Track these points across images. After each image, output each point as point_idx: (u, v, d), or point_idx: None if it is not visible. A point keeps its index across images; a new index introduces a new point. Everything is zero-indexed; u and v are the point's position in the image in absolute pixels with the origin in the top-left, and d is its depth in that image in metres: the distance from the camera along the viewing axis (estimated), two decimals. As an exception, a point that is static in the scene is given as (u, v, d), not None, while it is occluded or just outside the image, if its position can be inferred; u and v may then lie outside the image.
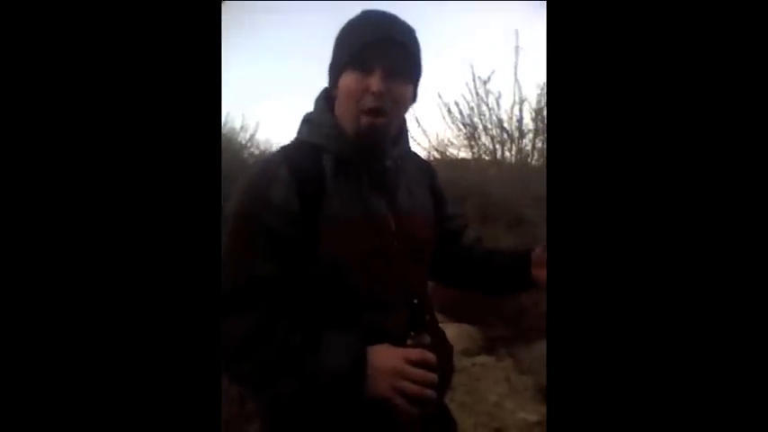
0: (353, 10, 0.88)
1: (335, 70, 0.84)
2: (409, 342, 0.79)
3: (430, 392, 0.75)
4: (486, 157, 4.91)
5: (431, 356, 0.77)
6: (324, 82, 0.90)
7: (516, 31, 4.62)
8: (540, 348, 2.62)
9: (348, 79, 0.81)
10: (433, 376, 0.76)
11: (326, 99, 0.88)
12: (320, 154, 0.83)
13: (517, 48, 4.59)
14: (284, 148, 0.87)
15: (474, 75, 4.72)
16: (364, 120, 0.81)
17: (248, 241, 0.77)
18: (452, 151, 5.20)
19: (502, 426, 2.11)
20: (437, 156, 5.27)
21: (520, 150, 4.85)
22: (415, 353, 0.77)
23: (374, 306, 0.81)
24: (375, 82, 0.79)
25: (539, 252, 0.92)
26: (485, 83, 4.70)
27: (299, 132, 0.89)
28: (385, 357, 0.76)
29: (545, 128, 4.77)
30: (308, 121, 0.89)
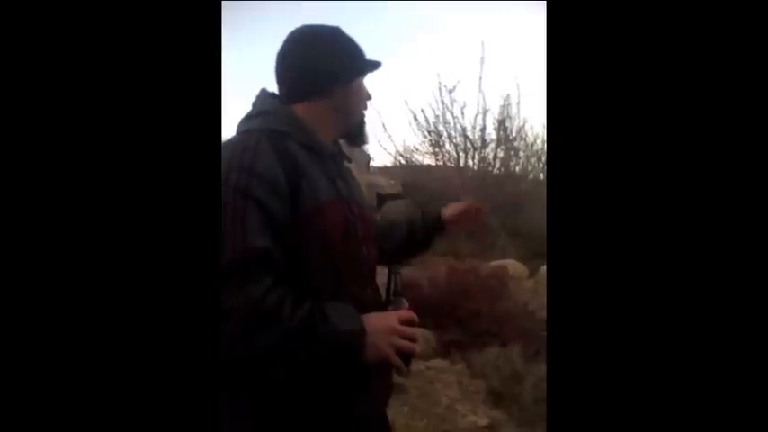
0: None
1: (348, 76, 0.95)
2: (391, 307, 0.88)
3: (417, 347, 0.85)
4: (450, 164, 4.99)
5: (415, 316, 0.87)
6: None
7: (482, 43, 4.75)
8: (492, 353, 2.69)
9: (361, 85, 0.99)
10: (417, 333, 0.86)
11: (275, 97, 0.95)
12: (285, 139, 0.86)
13: (482, 59, 4.72)
14: (248, 132, 0.87)
15: (440, 84, 4.81)
16: (362, 115, 1.01)
17: (241, 213, 0.76)
18: (417, 157, 5.26)
19: (452, 428, 2.15)
20: (402, 161, 5.32)
21: (482, 159, 4.97)
22: (404, 313, 0.86)
23: (353, 280, 0.88)
24: (367, 89, 1.01)
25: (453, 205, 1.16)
26: (450, 92, 4.79)
27: (251, 123, 0.90)
28: (379, 320, 0.83)
29: (506, 138, 4.90)
30: (263, 112, 0.91)
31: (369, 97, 1.01)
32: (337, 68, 0.92)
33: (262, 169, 0.78)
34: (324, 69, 0.91)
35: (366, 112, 1.02)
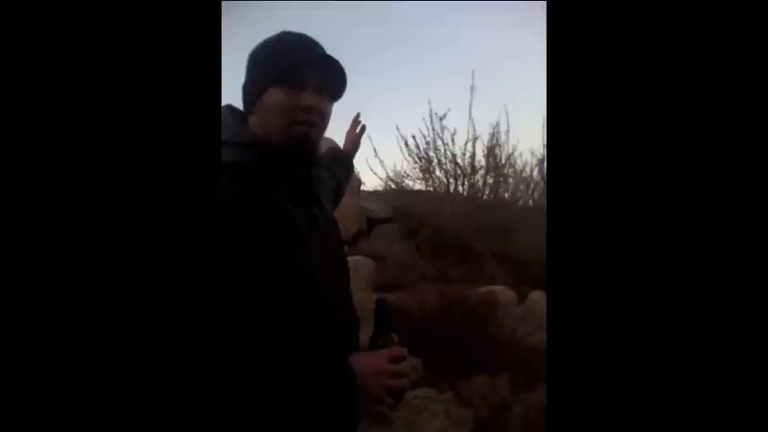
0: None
1: (257, 88, 0.85)
2: (380, 343, 0.86)
3: (408, 383, 0.84)
4: (440, 190, 5.03)
5: (405, 351, 0.85)
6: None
7: (472, 72, 4.84)
8: (480, 381, 2.66)
9: (277, 95, 0.83)
10: (407, 368, 0.84)
11: (236, 117, 0.88)
12: (255, 173, 0.82)
13: (472, 87, 4.80)
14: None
15: (431, 110, 4.88)
16: (297, 129, 0.83)
17: None
18: (408, 182, 5.30)
19: (440, 459, 2.10)
20: (393, 186, 5.34)
21: (472, 185, 5.01)
22: (394, 350, 0.84)
23: (337, 310, 0.86)
24: (308, 96, 0.83)
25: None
26: (441, 119, 4.86)
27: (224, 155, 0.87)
28: (368, 361, 0.81)
29: (495, 165, 4.97)
30: (227, 142, 0.84)
31: (298, 104, 0.82)
32: (249, 80, 0.88)
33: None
34: (246, 81, 0.88)
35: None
